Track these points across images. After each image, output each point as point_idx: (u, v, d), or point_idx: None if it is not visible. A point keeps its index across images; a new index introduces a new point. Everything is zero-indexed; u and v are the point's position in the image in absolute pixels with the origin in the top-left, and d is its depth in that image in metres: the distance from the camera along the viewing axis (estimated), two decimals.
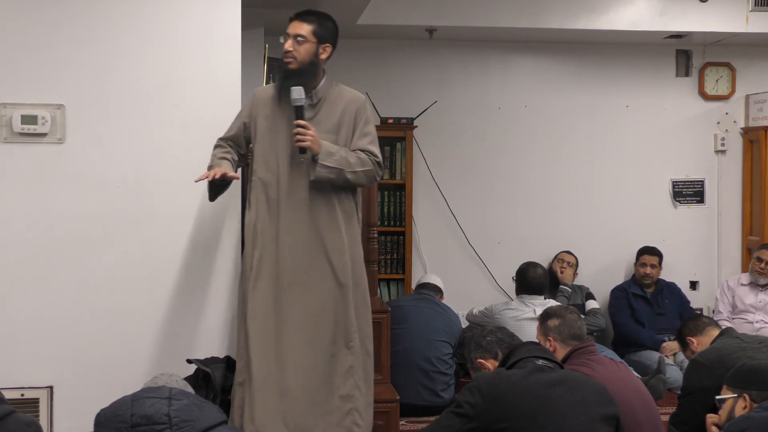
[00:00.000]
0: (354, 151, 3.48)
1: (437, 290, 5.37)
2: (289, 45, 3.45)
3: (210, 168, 3.47)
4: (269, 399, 3.39)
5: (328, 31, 3.51)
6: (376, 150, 3.52)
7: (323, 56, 3.50)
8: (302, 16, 3.50)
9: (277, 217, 3.47)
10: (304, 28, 3.46)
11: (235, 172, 3.51)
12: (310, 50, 3.46)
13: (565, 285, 5.85)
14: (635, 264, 6.07)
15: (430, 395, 4.80)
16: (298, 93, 3.40)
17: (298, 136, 3.38)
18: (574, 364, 3.26)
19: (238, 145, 3.61)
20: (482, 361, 3.23)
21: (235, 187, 3.81)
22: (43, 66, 3.66)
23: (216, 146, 3.59)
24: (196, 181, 3.43)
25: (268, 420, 3.37)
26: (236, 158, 3.58)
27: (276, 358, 3.42)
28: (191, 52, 3.75)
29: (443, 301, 5.31)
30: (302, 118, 3.40)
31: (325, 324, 3.45)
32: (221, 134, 3.73)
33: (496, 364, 3.15)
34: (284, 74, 3.47)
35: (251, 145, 3.59)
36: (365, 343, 3.54)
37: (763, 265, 5.63)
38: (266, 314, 3.43)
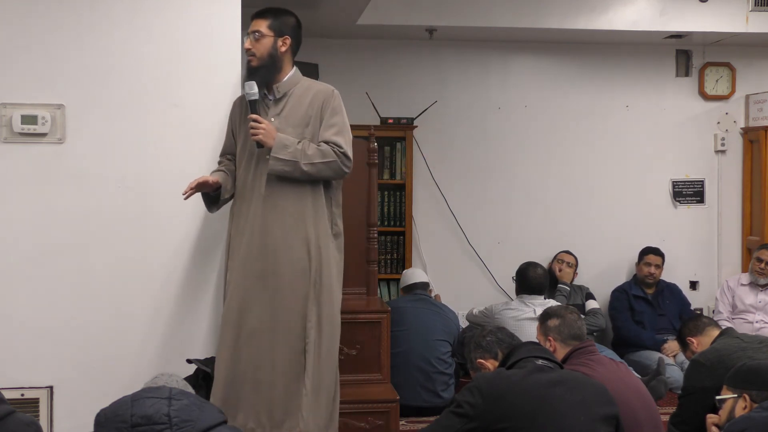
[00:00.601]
0: (319, 143, 3.43)
1: (426, 286, 5.32)
2: (248, 43, 3.48)
3: None
4: (246, 396, 3.42)
5: (285, 24, 3.51)
6: (342, 140, 3.44)
7: (283, 49, 3.49)
8: (259, 13, 3.52)
9: (249, 215, 3.48)
10: (261, 24, 3.48)
11: (233, 182, 3.54)
12: (267, 45, 3.47)
13: (564, 284, 5.85)
14: (638, 264, 6.07)
15: (430, 396, 4.81)
16: (249, 87, 3.43)
17: (252, 130, 3.40)
18: (574, 364, 3.27)
19: (234, 155, 3.62)
20: (482, 361, 3.23)
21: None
22: (43, 66, 3.66)
23: (218, 163, 3.66)
24: (184, 196, 3.44)
25: (246, 416, 3.41)
26: (233, 168, 3.60)
27: (242, 354, 3.42)
28: (191, 52, 3.75)
29: (442, 293, 5.30)
30: (255, 113, 3.42)
31: (292, 321, 3.41)
32: (221, 134, 3.74)
33: (496, 364, 3.15)
34: (247, 72, 3.48)
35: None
36: (324, 341, 3.45)
37: (763, 265, 5.63)
38: (235, 309, 3.44)
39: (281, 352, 3.42)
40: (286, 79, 3.52)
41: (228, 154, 3.64)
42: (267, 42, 3.47)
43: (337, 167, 3.42)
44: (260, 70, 3.46)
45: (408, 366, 4.81)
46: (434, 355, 4.86)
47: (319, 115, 3.49)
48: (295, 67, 3.56)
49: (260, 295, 3.43)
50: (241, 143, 3.56)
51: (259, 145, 3.41)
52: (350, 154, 3.45)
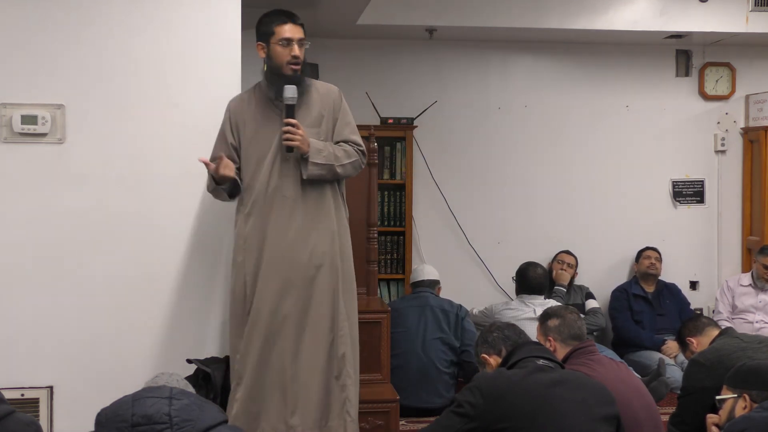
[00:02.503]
0: (338, 143, 3.53)
1: (434, 284, 5.26)
2: (298, 51, 3.48)
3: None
4: (277, 398, 3.42)
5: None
6: (359, 138, 3.59)
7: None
8: (295, 19, 3.52)
9: (266, 217, 3.47)
10: (302, 32, 3.51)
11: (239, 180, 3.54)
12: (304, 53, 3.53)
13: (561, 286, 5.84)
14: (637, 262, 6.07)
15: (430, 396, 4.80)
16: (290, 92, 3.42)
17: (288, 135, 3.39)
18: (574, 364, 3.26)
19: (232, 159, 3.54)
20: (485, 356, 3.24)
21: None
22: (43, 66, 3.66)
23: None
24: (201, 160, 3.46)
25: (277, 418, 3.41)
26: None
27: (280, 356, 3.43)
28: (191, 52, 3.76)
29: (442, 293, 5.27)
30: (292, 117, 3.41)
31: (322, 315, 3.47)
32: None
33: (499, 360, 3.15)
34: (289, 79, 3.46)
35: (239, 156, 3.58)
36: (353, 331, 3.56)
37: None
38: (268, 314, 3.44)
39: (314, 352, 3.45)
40: (303, 81, 3.56)
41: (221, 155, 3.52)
42: (305, 50, 3.55)
43: (358, 165, 3.58)
44: (300, 79, 3.50)
45: (408, 367, 4.80)
46: (433, 356, 4.86)
47: (332, 115, 3.56)
48: None
49: (290, 294, 3.45)
50: (251, 148, 3.52)
51: (289, 149, 3.42)
52: (365, 150, 3.64)
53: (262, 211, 3.48)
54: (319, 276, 3.47)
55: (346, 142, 3.53)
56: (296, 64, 3.47)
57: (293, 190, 3.47)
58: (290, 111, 3.42)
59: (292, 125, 3.39)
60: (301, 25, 3.52)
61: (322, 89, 3.60)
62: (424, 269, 5.36)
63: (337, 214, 3.55)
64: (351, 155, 3.52)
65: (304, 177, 3.42)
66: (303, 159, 3.42)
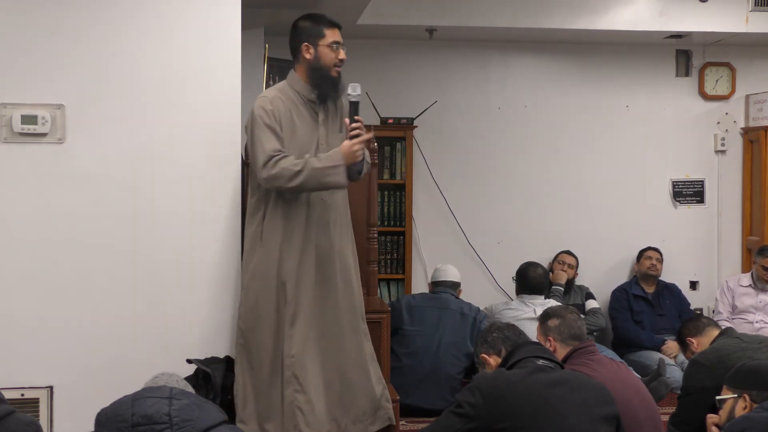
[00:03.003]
0: None
1: (455, 286, 5.24)
2: (344, 54, 3.55)
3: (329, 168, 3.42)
4: (331, 398, 3.50)
5: None
6: None
7: None
8: (337, 24, 3.59)
9: (302, 217, 3.50)
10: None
11: None
12: None
13: (558, 285, 5.84)
14: (638, 262, 6.08)
15: (436, 399, 4.75)
16: (354, 89, 3.47)
17: (358, 131, 3.42)
18: (574, 364, 3.26)
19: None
20: (485, 356, 3.24)
21: (236, 186, 3.81)
22: (43, 66, 3.66)
23: (282, 157, 3.40)
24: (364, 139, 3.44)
25: (326, 417, 3.48)
26: None
27: (327, 356, 3.52)
28: (191, 52, 3.75)
29: (462, 294, 5.28)
30: (357, 114, 3.47)
31: (356, 317, 3.60)
32: (221, 134, 3.75)
33: (499, 360, 3.16)
34: (335, 81, 3.53)
35: None
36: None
37: None
38: (312, 315, 3.50)
39: (353, 350, 3.57)
40: None
41: (282, 149, 3.47)
42: None
43: (368, 169, 3.67)
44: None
45: (419, 367, 4.80)
46: (446, 360, 4.84)
47: (343, 121, 3.59)
48: None
49: (330, 293, 3.53)
50: (292, 142, 3.51)
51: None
52: None
53: (295, 211, 3.50)
54: (351, 275, 3.60)
55: None
56: (340, 66, 3.54)
57: (328, 192, 3.52)
58: (355, 108, 3.46)
59: (361, 124, 3.45)
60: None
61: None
62: (448, 270, 5.31)
63: (349, 218, 3.68)
64: (368, 157, 3.62)
65: (359, 178, 3.52)
66: (333, 167, 3.42)
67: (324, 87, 3.51)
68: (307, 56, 3.52)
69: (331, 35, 3.52)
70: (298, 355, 3.45)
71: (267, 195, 3.50)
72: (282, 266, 3.48)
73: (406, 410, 4.58)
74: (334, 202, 3.57)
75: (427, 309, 4.98)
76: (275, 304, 3.50)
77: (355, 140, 3.39)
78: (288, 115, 3.51)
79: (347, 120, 3.44)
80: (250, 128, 3.50)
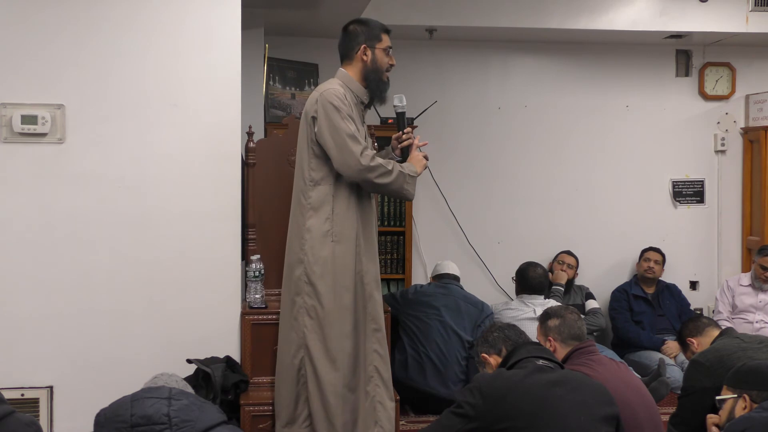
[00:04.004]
0: None
1: (457, 279, 5.37)
2: (394, 60, 3.61)
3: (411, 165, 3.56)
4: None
5: None
6: None
7: None
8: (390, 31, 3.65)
9: (371, 220, 3.60)
10: None
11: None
12: None
13: (558, 285, 5.84)
14: (638, 263, 6.08)
15: (438, 384, 4.82)
16: (400, 100, 3.61)
17: (410, 140, 3.58)
18: (574, 364, 3.27)
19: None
20: (486, 355, 3.25)
21: (236, 186, 3.81)
22: (43, 66, 3.66)
23: (373, 154, 3.46)
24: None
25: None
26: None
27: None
28: (191, 52, 3.75)
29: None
30: (405, 126, 3.61)
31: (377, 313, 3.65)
32: (221, 134, 3.75)
33: (500, 360, 3.16)
34: (385, 85, 3.59)
35: None
36: None
37: (767, 273, 5.61)
38: (381, 315, 3.64)
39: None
40: None
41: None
42: None
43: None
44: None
45: (423, 350, 4.84)
46: (451, 346, 4.88)
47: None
48: None
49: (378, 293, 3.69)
50: None
51: (403, 156, 3.63)
52: None
53: (369, 209, 3.60)
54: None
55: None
56: (389, 71, 3.60)
57: (371, 195, 3.63)
58: (403, 119, 3.61)
59: (411, 134, 3.61)
60: None
61: None
62: (449, 264, 5.46)
63: None
64: None
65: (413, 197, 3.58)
66: (412, 176, 3.52)
67: (377, 90, 3.58)
68: (365, 58, 3.55)
69: (386, 40, 3.59)
70: (383, 351, 3.60)
71: (336, 189, 3.49)
72: (359, 260, 3.53)
73: (409, 391, 4.69)
74: (375, 203, 3.70)
75: (438, 296, 5.05)
76: (353, 298, 3.52)
77: (420, 152, 3.56)
78: (356, 113, 3.55)
79: (400, 133, 3.61)
80: (326, 116, 3.42)
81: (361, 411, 3.51)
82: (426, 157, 3.59)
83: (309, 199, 3.49)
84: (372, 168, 3.39)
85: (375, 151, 3.59)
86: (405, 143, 3.61)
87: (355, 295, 3.51)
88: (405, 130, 3.61)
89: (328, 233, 3.48)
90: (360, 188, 3.50)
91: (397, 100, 3.60)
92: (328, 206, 3.48)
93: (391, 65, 3.59)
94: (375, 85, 3.56)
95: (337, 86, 3.51)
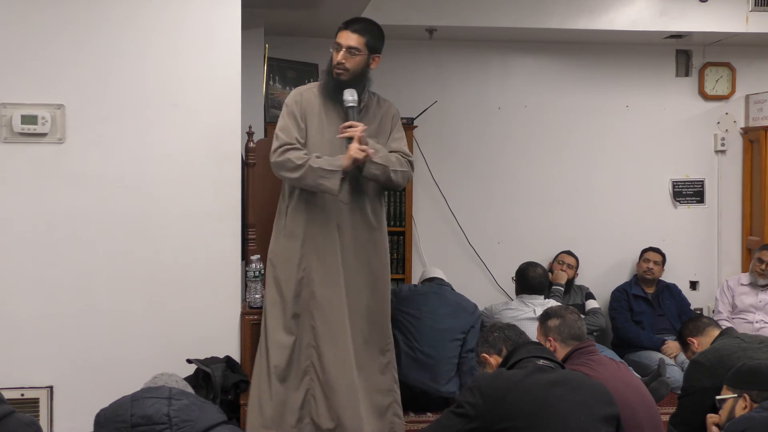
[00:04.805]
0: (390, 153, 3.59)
1: (446, 283, 5.38)
2: (341, 56, 3.50)
3: (323, 171, 3.44)
4: (342, 398, 3.49)
5: (379, 42, 3.61)
6: (408, 150, 3.67)
7: (373, 66, 3.60)
8: (353, 26, 3.53)
9: (334, 218, 3.54)
10: (359, 41, 3.52)
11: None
12: (361, 62, 3.54)
13: (558, 285, 5.84)
14: (638, 263, 6.07)
15: (430, 381, 4.83)
16: (350, 94, 3.49)
17: (349, 132, 3.42)
18: (574, 364, 3.26)
19: (302, 146, 3.57)
20: (486, 356, 3.25)
21: (236, 186, 3.81)
22: (43, 66, 3.66)
23: (290, 149, 3.48)
24: (359, 157, 3.40)
25: (344, 418, 3.49)
26: None
27: (345, 359, 3.53)
28: (191, 52, 3.75)
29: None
30: (353, 119, 3.47)
31: (375, 322, 3.61)
32: (221, 134, 3.74)
33: (500, 360, 3.16)
34: (336, 85, 3.51)
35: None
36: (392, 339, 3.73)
37: (764, 266, 5.62)
38: (335, 315, 3.52)
39: (363, 353, 3.61)
40: (365, 92, 3.61)
41: (297, 140, 3.54)
42: (361, 59, 3.54)
43: (408, 176, 3.64)
44: (348, 86, 3.52)
45: (417, 347, 4.86)
46: (441, 344, 4.89)
47: (387, 129, 3.65)
48: (370, 81, 3.66)
49: (352, 297, 3.56)
50: (314, 144, 3.54)
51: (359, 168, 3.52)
52: (413, 161, 3.69)
53: (319, 213, 3.54)
54: (372, 285, 3.61)
55: (395, 152, 3.59)
56: (338, 68, 3.50)
57: (350, 195, 3.55)
58: (351, 113, 3.48)
59: (348, 126, 3.44)
60: (362, 33, 3.53)
61: (383, 105, 3.70)
62: (436, 269, 5.54)
63: (383, 226, 3.68)
64: (403, 164, 3.59)
65: (363, 174, 3.47)
66: (330, 171, 3.44)
67: (326, 87, 3.56)
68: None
69: (336, 36, 3.55)
70: (322, 346, 3.55)
71: (290, 186, 3.58)
72: (305, 256, 3.53)
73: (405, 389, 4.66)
74: (354, 206, 3.59)
75: (430, 295, 5.07)
76: (292, 293, 3.54)
77: (359, 146, 3.40)
78: (318, 112, 3.53)
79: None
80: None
81: (289, 403, 3.52)
82: (365, 152, 3.41)
83: (282, 195, 3.66)
84: (280, 163, 3.47)
85: (296, 146, 3.49)
86: (343, 135, 3.45)
87: (297, 290, 3.53)
88: (345, 124, 3.46)
89: (282, 228, 3.60)
90: None
91: (347, 95, 3.50)
92: (284, 203, 3.61)
93: (337, 61, 3.51)
94: (327, 81, 3.56)
95: (307, 85, 3.64)
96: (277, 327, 3.56)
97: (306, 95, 3.60)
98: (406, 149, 3.66)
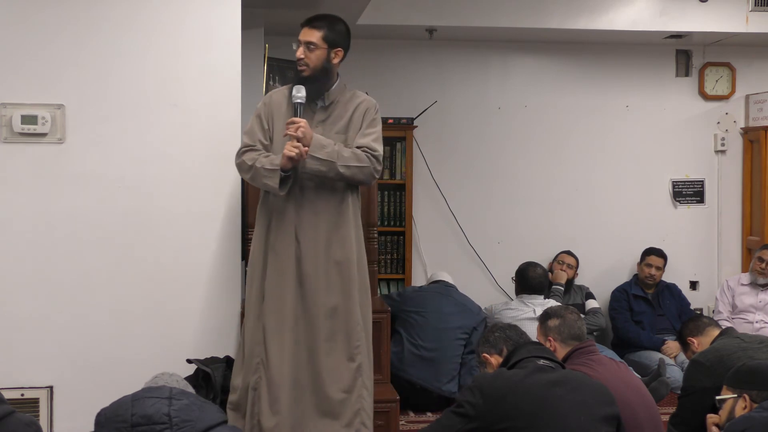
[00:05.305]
0: (353, 148, 3.48)
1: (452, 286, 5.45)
2: (300, 52, 3.48)
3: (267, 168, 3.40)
4: (285, 396, 3.41)
5: (339, 35, 3.53)
6: (376, 146, 3.52)
7: (335, 60, 3.53)
8: (312, 22, 3.51)
9: (286, 215, 3.48)
10: (315, 35, 3.48)
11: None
12: (321, 56, 3.48)
13: (558, 285, 5.84)
14: (639, 264, 6.07)
15: (432, 380, 4.86)
16: (298, 90, 3.43)
17: (290, 127, 3.36)
18: (574, 364, 3.26)
19: (265, 147, 3.54)
20: (486, 355, 3.25)
21: (236, 186, 3.81)
22: (43, 66, 3.66)
23: (247, 151, 3.48)
24: (292, 155, 3.32)
25: (285, 416, 3.40)
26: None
27: (292, 356, 3.44)
28: (191, 52, 3.76)
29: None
30: (299, 116, 3.40)
31: (337, 322, 3.47)
32: (221, 134, 3.75)
33: (500, 360, 3.16)
34: (298, 81, 3.48)
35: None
36: (368, 341, 3.57)
37: (764, 265, 5.62)
38: (281, 313, 3.45)
39: (326, 356, 3.46)
40: (333, 87, 3.55)
41: (260, 142, 3.52)
42: (320, 54, 3.48)
43: (369, 172, 3.49)
44: (312, 81, 3.48)
45: (422, 345, 4.89)
46: (446, 343, 4.90)
47: (359, 123, 3.55)
48: (339, 75, 3.59)
49: (302, 299, 3.47)
50: (280, 144, 3.49)
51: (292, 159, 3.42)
52: (381, 161, 3.55)
53: (283, 211, 3.48)
54: (334, 284, 3.48)
55: (360, 147, 3.48)
56: (299, 65, 3.48)
57: (314, 193, 3.48)
58: (298, 110, 3.43)
59: (290, 121, 3.37)
60: (320, 28, 3.48)
61: (356, 99, 3.60)
62: (443, 273, 5.58)
63: (355, 224, 3.55)
64: (361, 160, 3.46)
65: (302, 170, 3.40)
66: (270, 170, 3.39)
67: (295, 84, 3.50)
68: None
69: (300, 34, 3.52)
70: (268, 342, 3.47)
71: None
72: (269, 249, 3.49)
73: (402, 384, 4.69)
74: (317, 203, 3.48)
75: (435, 295, 5.12)
76: (256, 288, 3.51)
77: (294, 143, 3.35)
78: (283, 110, 3.52)
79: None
80: None
81: (245, 399, 3.48)
82: (299, 149, 3.33)
83: None
84: (238, 165, 3.51)
85: (254, 147, 3.48)
86: (286, 134, 3.39)
87: (260, 285, 3.51)
88: (288, 120, 3.40)
89: (256, 221, 3.59)
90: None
91: (295, 90, 3.44)
92: (259, 201, 3.61)
93: (297, 59, 3.48)
94: (295, 78, 3.54)
95: (281, 88, 3.62)
96: (247, 320, 3.56)
97: (275, 96, 3.58)
98: (373, 144, 3.51)
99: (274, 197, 3.47)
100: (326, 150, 3.39)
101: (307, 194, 3.47)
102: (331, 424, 3.45)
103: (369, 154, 3.48)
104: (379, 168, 3.54)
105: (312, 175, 3.42)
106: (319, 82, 3.49)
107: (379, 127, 3.60)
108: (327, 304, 3.47)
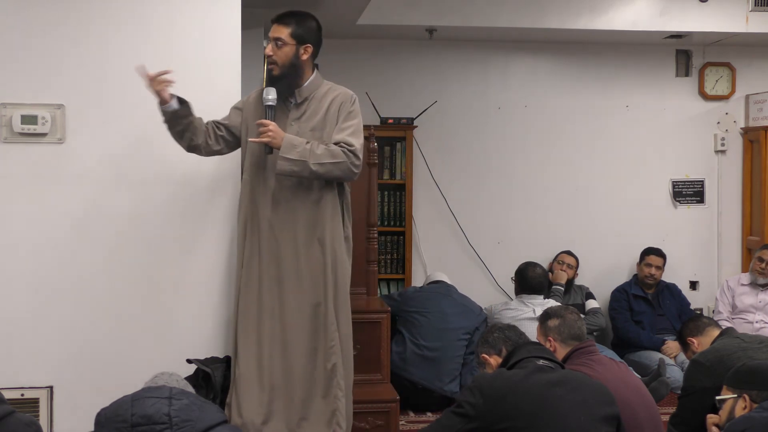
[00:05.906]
0: (328, 144, 3.42)
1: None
2: (269, 49, 3.46)
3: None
4: (255, 395, 3.41)
5: (308, 31, 3.48)
6: (353, 140, 3.42)
7: (305, 57, 3.48)
8: (282, 18, 3.48)
9: (262, 215, 3.48)
10: (283, 31, 3.45)
11: (190, 133, 3.51)
12: (289, 53, 3.45)
13: (558, 285, 5.84)
14: (639, 264, 6.07)
15: (433, 379, 4.87)
16: (268, 93, 3.43)
17: (261, 129, 3.36)
18: (574, 364, 3.26)
19: (228, 129, 3.57)
20: (486, 356, 3.25)
21: (235, 187, 3.81)
22: (43, 66, 3.66)
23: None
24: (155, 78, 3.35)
25: (254, 415, 3.40)
26: (203, 127, 3.54)
27: (262, 354, 3.44)
28: (191, 51, 3.75)
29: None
30: (271, 118, 3.39)
31: (308, 322, 3.45)
32: None
33: (500, 360, 3.16)
34: (268, 78, 3.47)
35: (241, 142, 3.61)
36: (345, 343, 3.53)
37: (764, 265, 5.62)
38: (254, 311, 3.47)
39: (299, 356, 3.44)
40: (306, 84, 3.52)
41: (222, 122, 3.58)
42: (289, 50, 3.45)
43: (346, 168, 3.40)
44: (282, 78, 3.46)
45: (424, 345, 4.89)
46: (447, 343, 4.91)
47: (335, 117, 3.48)
48: (315, 71, 3.56)
49: (276, 298, 3.47)
50: (249, 145, 3.52)
51: (269, 149, 3.40)
52: (360, 155, 3.44)
53: (256, 211, 3.50)
54: (306, 284, 3.46)
55: (337, 143, 3.41)
56: (269, 62, 3.46)
57: (286, 192, 3.46)
58: (269, 112, 3.42)
59: (260, 123, 3.37)
60: (288, 24, 3.45)
61: (334, 93, 3.54)
62: (440, 274, 5.61)
63: (332, 224, 3.48)
64: (336, 156, 3.37)
65: (276, 172, 3.39)
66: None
67: (264, 84, 3.49)
68: None
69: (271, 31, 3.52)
70: (234, 347, 3.52)
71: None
72: (247, 239, 3.54)
73: (403, 383, 4.69)
74: (291, 204, 3.47)
75: (436, 295, 5.15)
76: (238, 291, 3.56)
77: (256, 140, 3.38)
78: (258, 109, 3.51)
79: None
80: None
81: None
82: (270, 149, 3.39)
83: None
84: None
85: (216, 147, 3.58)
86: (254, 140, 3.43)
87: (238, 284, 3.55)
88: (257, 122, 3.40)
89: (237, 221, 3.63)
90: (251, 171, 3.52)
91: (266, 93, 3.44)
92: None
93: (266, 55, 3.47)
94: (268, 77, 3.53)
95: (258, 88, 3.62)
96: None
97: (252, 96, 3.61)
98: (349, 139, 3.40)
99: (249, 195, 3.49)
100: (297, 150, 3.34)
101: (284, 193, 3.46)
102: (304, 425, 3.43)
103: (345, 149, 3.38)
104: (358, 162, 3.42)
105: (287, 176, 3.41)
106: (289, 79, 3.47)
107: (357, 119, 3.50)
108: (302, 303, 3.44)
